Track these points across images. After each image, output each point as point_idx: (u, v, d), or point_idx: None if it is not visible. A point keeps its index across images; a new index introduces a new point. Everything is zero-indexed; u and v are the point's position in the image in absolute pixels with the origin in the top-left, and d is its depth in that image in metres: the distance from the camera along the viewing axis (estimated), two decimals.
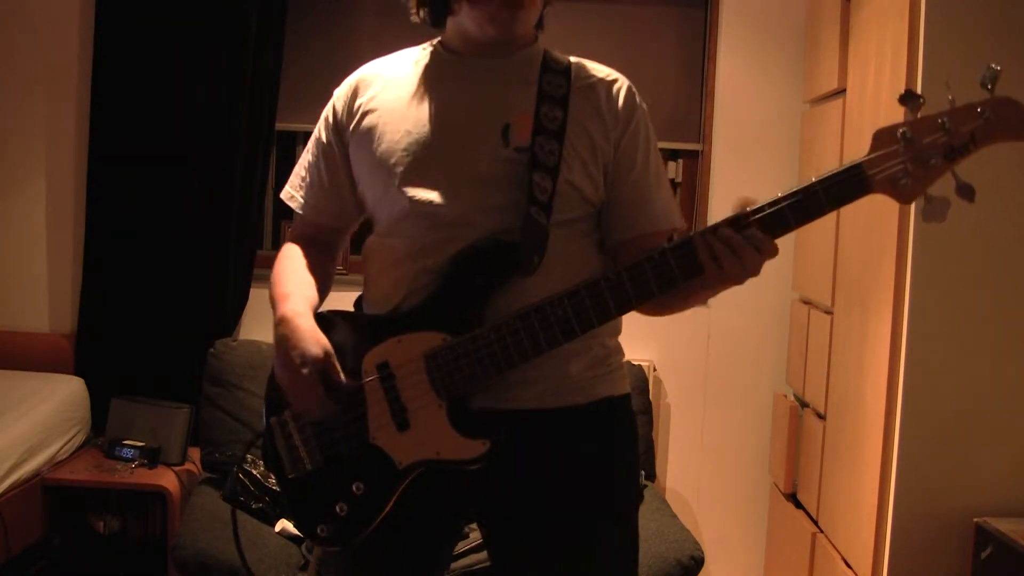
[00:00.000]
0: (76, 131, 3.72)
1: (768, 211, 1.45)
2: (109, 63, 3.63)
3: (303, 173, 1.82)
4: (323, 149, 1.78)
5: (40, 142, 3.75)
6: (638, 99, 1.71)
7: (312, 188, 1.80)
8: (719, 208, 3.73)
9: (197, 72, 3.60)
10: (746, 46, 3.74)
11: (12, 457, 3.06)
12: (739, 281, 1.49)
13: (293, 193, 1.83)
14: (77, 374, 3.65)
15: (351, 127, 1.72)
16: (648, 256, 1.51)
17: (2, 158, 3.77)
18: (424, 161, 1.64)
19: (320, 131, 1.79)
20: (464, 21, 1.66)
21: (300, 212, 1.83)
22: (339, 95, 1.77)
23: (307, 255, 1.80)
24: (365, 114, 1.71)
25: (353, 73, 1.79)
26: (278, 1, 3.62)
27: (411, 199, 1.63)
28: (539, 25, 1.74)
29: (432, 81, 1.70)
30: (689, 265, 1.49)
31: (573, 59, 1.72)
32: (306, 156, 1.82)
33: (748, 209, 1.46)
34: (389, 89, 1.71)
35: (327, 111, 1.78)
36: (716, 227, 1.48)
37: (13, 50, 3.73)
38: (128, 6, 3.60)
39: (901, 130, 1.39)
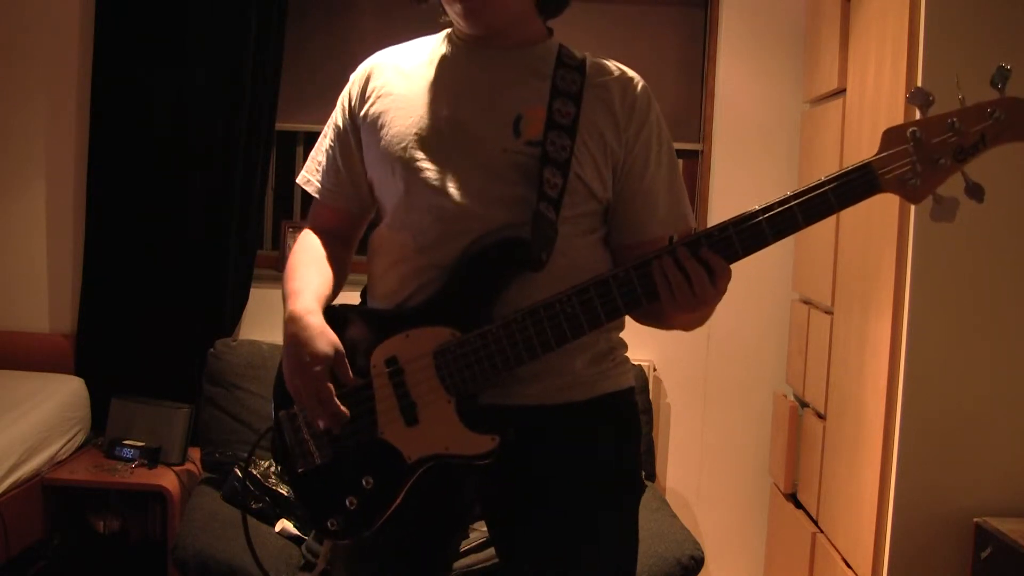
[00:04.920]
0: (76, 131, 3.72)
1: (776, 210, 1.46)
2: (109, 63, 3.63)
3: (320, 157, 1.81)
4: (338, 133, 1.78)
5: (40, 143, 3.75)
6: (652, 100, 1.70)
7: (328, 172, 1.80)
8: (719, 208, 3.73)
9: (197, 72, 3.60)
10: (746, 46, 3.75)
11: (12, 457, 3.06)
12: None
13: (309, 177, 1.83)
14: (77, 374, 3.65)
15: (363, 111, 1.72)
16: (656, 252, 1.51)
17: (3, 158, 3.76)
18: (434, 147, 1.64)
19: (336, 115, 1.79)
20: (451, 16, 1.68)
21: (317, 196, 1.82)
22: (354, 79, 1.77)
23: (325, 245, 1.80)
24: (378, 98, 1.71)
25: (369, 57, 1.78)
26: (278, 1, 3.62)
27: (418, 185, 1.63)
28: (546, 12, 1.72)
29: (446, 69, 1.70)
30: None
31: (589, 56, 1.72)
32: (323, 140, 1.82)
33: (757, 207, 1.47)
34: (403, 75, 1.71)
35: (343, 95, 1.78)
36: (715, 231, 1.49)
37: (14, 51, 3.72)
38: (128, 7, 3.60)
39: (911, 129, 1.39)
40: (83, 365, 3.69)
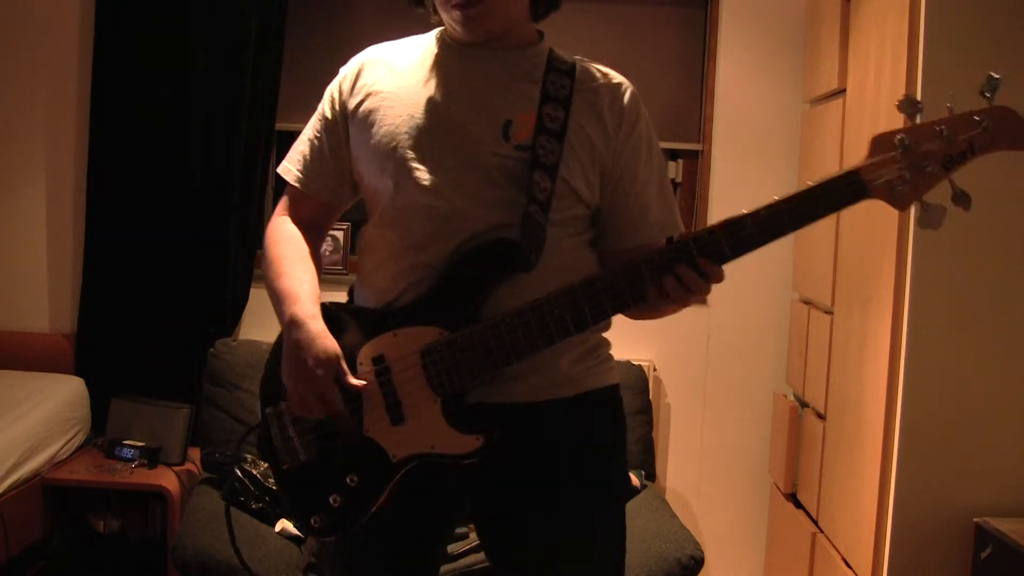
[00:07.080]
0: (76, 132, 3.72)
1: (764, 215, 1.46)
2: (109, 64, 3.63)
3: (303, 148, 1.80)
4: (326, 124, 1.77)
5: (40, 143, 3.75)
6: (641, 105, 1.71)
7: (312, 162, 1.79)
8: (719, 208, 3.72)
9: (197, 73, 3.60)
10: (746, 46, 3.74)
11: (12, 457, 3.07)
12: None
13: (290, 167, 1.82)
14: (77, 374, 3.65)
15: (353, 106, 1.72)
16: (645, 257, 1.52)
17: (3, 159, 3.77)
18: (424, 147, 1.64)
19: (324, 107, 1.78)
20: (446, 22, 1.68)
21: (298, 185, 1.80)
22: (345, 73, 1.76)
23: (304, 236, 1.79)
24: (368, 95, 1.70)
25: (360, 53, 1.78)
26: (278, 1, 3.62)
27: (409, 184, 1.63)
28: (538, 15, 1.72)
29: (438, 68, 1.70)
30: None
31: (578, 60, 1.72)
32: (307, 131, 1.81)
33: (745, 212, 1.47)
34: (395, 73, 1.71)
35: (332, 87, 1.77)
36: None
37: (14, 51, 3.73)
38: (128, 6, 3.60)
39: (899, 136, 1.39)
40: (83, 365, 3.70)
